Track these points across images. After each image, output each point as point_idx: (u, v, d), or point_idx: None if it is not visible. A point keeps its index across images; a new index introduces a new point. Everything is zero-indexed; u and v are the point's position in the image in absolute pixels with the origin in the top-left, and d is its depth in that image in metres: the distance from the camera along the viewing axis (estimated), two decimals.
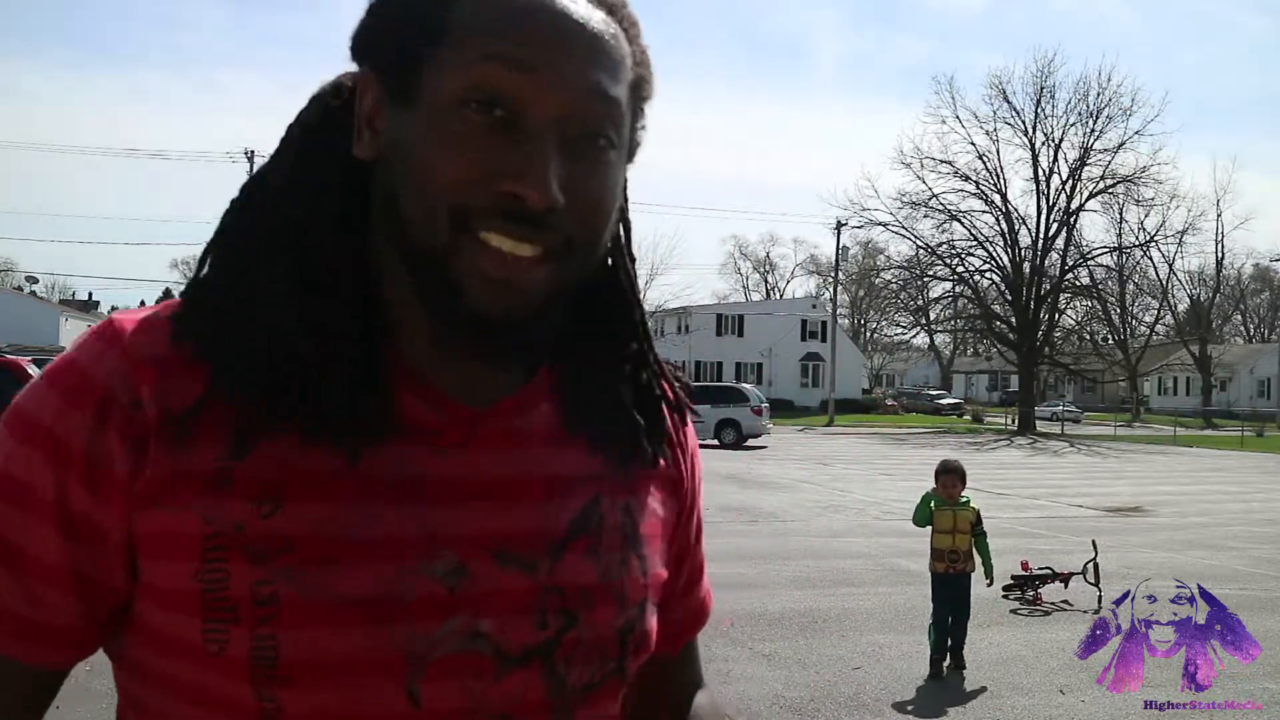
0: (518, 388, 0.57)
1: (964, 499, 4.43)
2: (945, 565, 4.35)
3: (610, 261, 0.60)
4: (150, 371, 0.50)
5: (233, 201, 0.57)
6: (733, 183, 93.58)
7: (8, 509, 0.50)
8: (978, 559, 4.43)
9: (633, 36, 0.55)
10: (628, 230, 0.62)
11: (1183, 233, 35.99)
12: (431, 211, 0.50)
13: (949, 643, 4.26)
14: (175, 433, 0.49)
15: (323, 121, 0.57)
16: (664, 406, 0.63)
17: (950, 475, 4.46)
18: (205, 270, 0.55)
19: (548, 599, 0.53)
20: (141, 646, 0.51)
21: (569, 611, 0.54)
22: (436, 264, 0.51)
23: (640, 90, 0.55)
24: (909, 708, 3.85)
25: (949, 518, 4.37)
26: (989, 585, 4.41)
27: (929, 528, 4.43)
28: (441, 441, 0.54)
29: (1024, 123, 33.75)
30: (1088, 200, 33.10)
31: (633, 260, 0.62)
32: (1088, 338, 40.77)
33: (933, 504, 4.41)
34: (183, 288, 0.56)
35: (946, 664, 4.25)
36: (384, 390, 0.52)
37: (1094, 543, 5.82)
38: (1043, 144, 33.23)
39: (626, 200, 0.60)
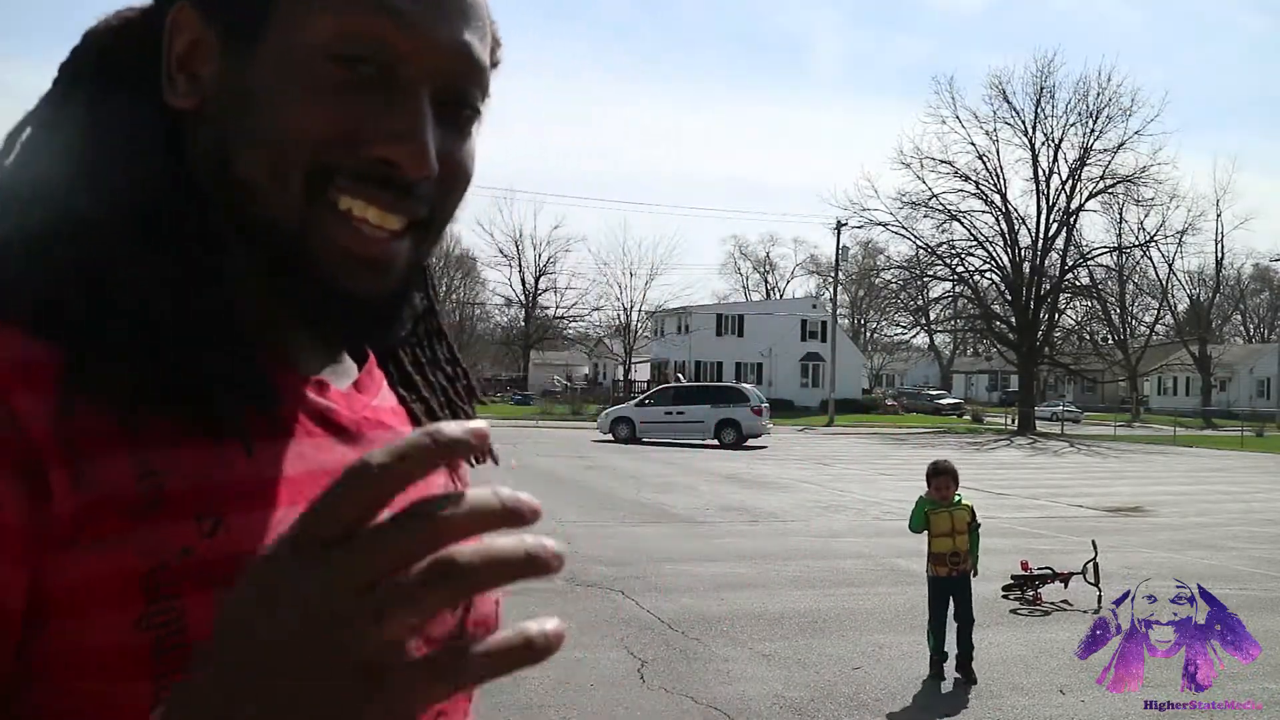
0: (360, 365, 0.53)
1: (957, 498, 4.36)
2: (948, 569, 4.23)
3: None
4: (10, 374, 0.39)
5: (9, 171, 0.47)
6: (732, 183, 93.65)
7: None
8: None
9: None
10: None
11: (1182, 233, 36.04)
12: (282, 175, 0.44)
13: (956, 651, 4.15)
14: (75, 448, 0.39)
15: (111, 61, 0.48)
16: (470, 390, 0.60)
17: (943, 476, 4.37)
18: None
19: None
20: None
21: None
22: (287, 239, 0.44)
23: (493, 58, 0.51)
24: (909, 707, 3.85)
25: (946, 519, 4.28)
26: (974, 576, 4.33)
27: (926, 533, 4.34)
28: (333, 427, 0.49)
29: (1024, 123, 33.82)
30: (1087, 200, 33.18)
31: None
32: (1087, 338, 40.82)
33: (927, 508, 4.32)
34: None
35: (951, 671, 4.14)
36: (267, 375, 0.46)
37: (1094, 543, 5.82)
38: (1042, 144, 33.30)
39: None
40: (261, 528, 0.43)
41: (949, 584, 4.24)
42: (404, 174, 0.44)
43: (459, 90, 0.47)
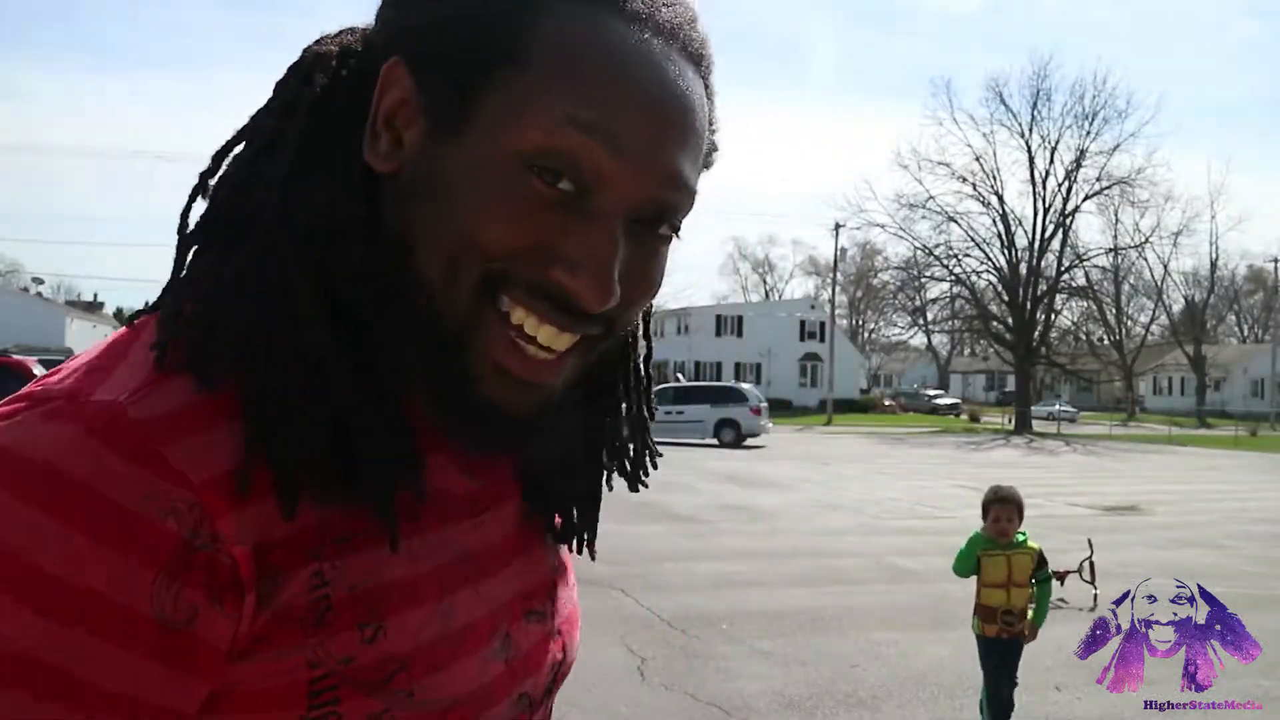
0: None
1: (1021, 536, 3.33)
2: (998, 628, 3.24)
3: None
4: (220, 491, 0.39)
5: (217, 192, 0.45)
6: (732, 184, 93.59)
7: (48, 708, 0.35)
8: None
9: (711, 91, 0.47)
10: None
11: (1177, 234, 36.32)
12: (457, 274, 0.42)
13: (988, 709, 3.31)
14: (266, 568, 0.40)
15: (329, 101, 0.45)
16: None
17: (1004, 506, 3.28)
18: (193, 284, 0.44)
19: (555, 642, 0.53)
20: None
21: (564, 648, 0.54)
22: (449, 338, 0.43)
23: (707, 162, 0.48)
24: (906, 705, 3.87)
25: (1002, 566, 3.25)
26: (1029, 640, 3.32)
27: (974, 577, 3.36)
28: (476, 509, 0.49)
29: (1020, 125, 34.01)
30: (1083, 202, 33.25)
31: (647, 326, 0.57)
32: (1083, 338, 41.01)
33: (981, 549, 3.29)
34: (159, 310, 0.43)
35: None
36: (419, 460, 0.45)
37: (1090, 541, 5.85)
38: (1039, 146, 33.42)
39: None
40: (415, 628, 0.44)
41: (998, 647, 3.26)
42: (580, 305, 0.42)
43: (658, 214, 0.44)
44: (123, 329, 0.45)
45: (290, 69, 0.47)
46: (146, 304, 0.47)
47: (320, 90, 0.45)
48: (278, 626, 0.40)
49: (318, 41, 0.48)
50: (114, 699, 0.37)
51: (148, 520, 0.37)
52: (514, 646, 0.49)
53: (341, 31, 0.48)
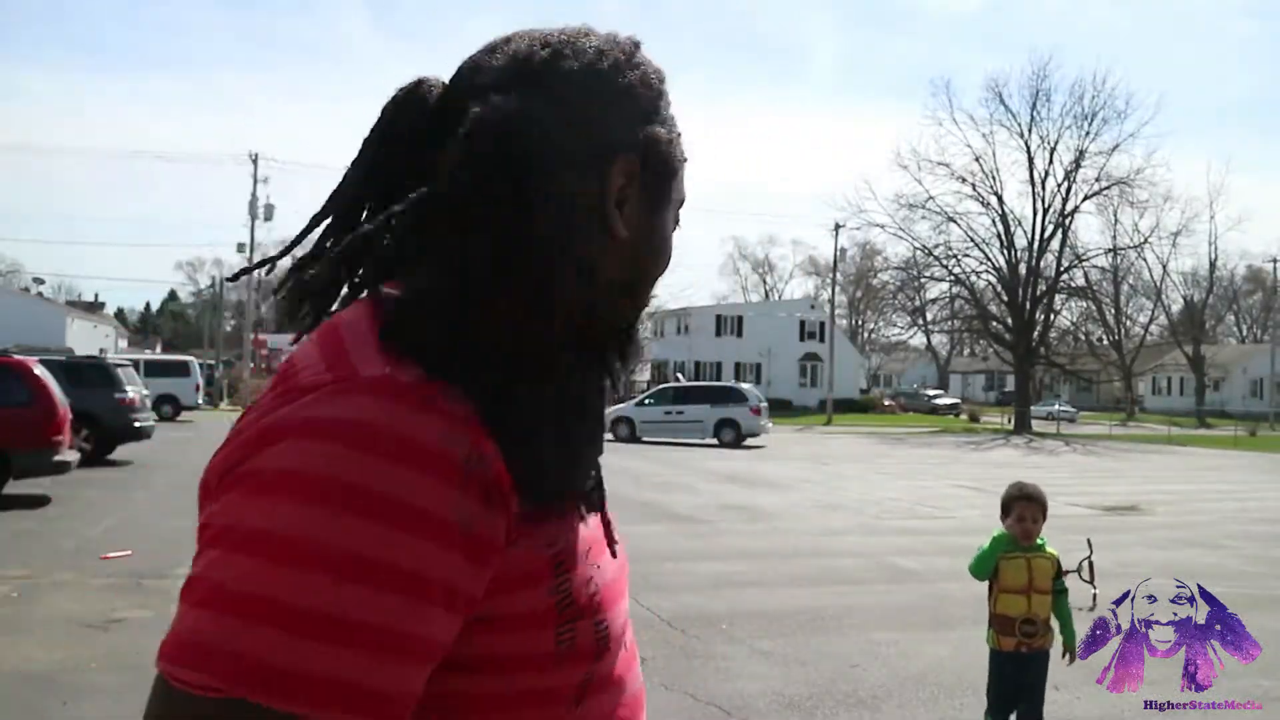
0: None
1: (1040, 540, 3.00)
2: (1017, 641, 2.89)
3: None
4: (473, 425, 0.53)
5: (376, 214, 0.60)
6: (732, 185, 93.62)
7: (403, 602, 0.49)
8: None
9: None
10: None
11: (1176, 234, 36.40)
12: (648, 300, 0.67)
13: None
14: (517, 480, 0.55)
15: (519, 169, 0.57)
16: None
17: (1029, 503, 2.95)
18: (431, 300, 0.56)
19: (624, 583, 0.71)
20: (473, 675, 0.56)
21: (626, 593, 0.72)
22: (632, 329, 0.67)
23: None
24: (906, 704, 3.87)
25: (1022, 570, 2.90)
26: (1069, 663, 2.92)
27: (989, 584, 3.01)
28: None
29: (1020, 125, 33.97)
30: (1083, 202, 33.27)
31: None
32: (1083, 338, 41.03)
33: (1003, 551, 2.95)
34: (411, 327, 0.55)
35: None
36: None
37: (1089, 541, 5.84)
38: (1038, 146, 33.44)
39: None
40: (574, 525, 0.61)
41: (1018, 661, 2.91)
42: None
43: None
44: (314, 332, 0.59)
45: (422, 116, 0.63)
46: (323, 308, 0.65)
47: (518, 163, 0.57)
48: (528, 520, 0.56)
49: (417, 88, 0.65)
50: (441, 584, 0.51)
51: (441, 450, 0.51)
52: (613, 567, 0.65)
53: (421, 82, 0.65)
